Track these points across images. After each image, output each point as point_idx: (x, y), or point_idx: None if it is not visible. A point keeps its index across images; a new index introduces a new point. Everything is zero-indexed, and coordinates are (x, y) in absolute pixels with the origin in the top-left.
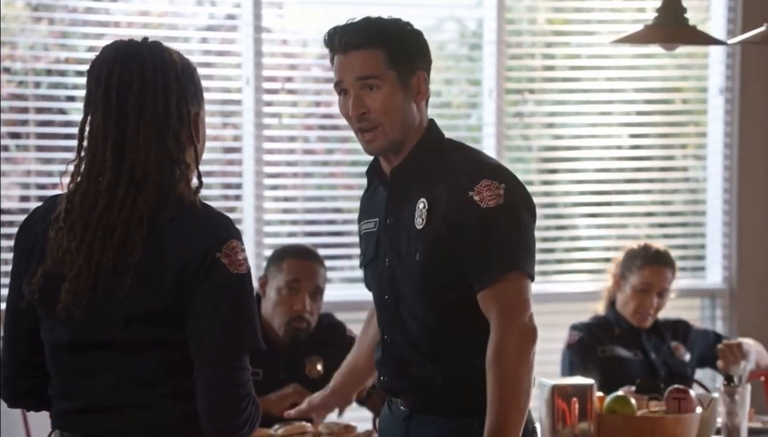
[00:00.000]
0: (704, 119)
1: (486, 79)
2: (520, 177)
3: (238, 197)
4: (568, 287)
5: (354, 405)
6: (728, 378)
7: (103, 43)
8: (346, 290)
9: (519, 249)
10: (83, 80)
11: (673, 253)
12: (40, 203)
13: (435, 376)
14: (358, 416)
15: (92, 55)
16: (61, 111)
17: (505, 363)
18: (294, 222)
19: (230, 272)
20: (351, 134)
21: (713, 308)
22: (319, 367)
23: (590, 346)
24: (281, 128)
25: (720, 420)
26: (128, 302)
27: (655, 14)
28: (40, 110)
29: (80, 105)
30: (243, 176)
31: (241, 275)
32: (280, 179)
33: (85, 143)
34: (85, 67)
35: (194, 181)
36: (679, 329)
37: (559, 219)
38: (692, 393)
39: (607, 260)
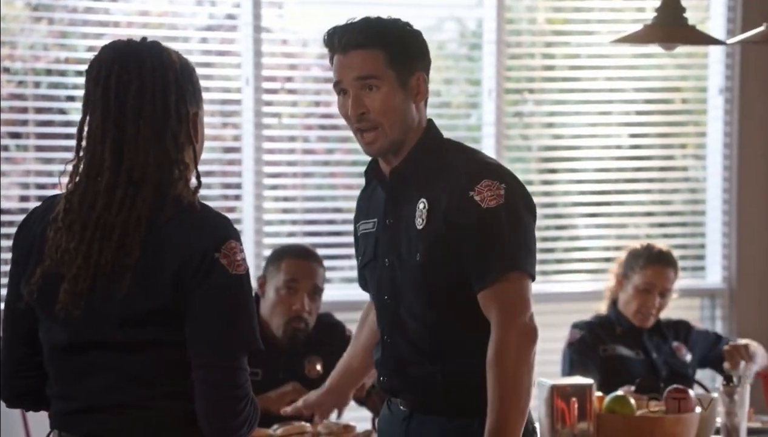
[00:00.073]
0: (704, 118)
1: (486, 79)
2: (520, 177)
3: (237, 197)
4: (567, 287)
5: (353, 404)
6: (727, 378)
7: (102, 43)
8: (345, 290)
9: (519, 249)
10: (83, 80)
11: (673, 253)
12: (40, 203)
13: (435, 376)
14: (358, 416)
15: (92, 55)
16: (61, 111)
17: (506, 363)
18: (294, 222)
19: (229, 273)
20: (351, 133)
21: (713, 308)
22: (319, 367)
23: (591, 345)
24: (281, 128)
25: (719, 420)
26: (127, 303)
27: (655, 14)
28: (39, 110)
29: (80, 105)
30: (243, 175)
31: (240, 276)
32: (280, 179)
33: (83, 143)
34: (85, 67)
35: (193, 181)
36: (681, 329)
37: (558, 219)
38: (691, 393)
39: (607, 259)
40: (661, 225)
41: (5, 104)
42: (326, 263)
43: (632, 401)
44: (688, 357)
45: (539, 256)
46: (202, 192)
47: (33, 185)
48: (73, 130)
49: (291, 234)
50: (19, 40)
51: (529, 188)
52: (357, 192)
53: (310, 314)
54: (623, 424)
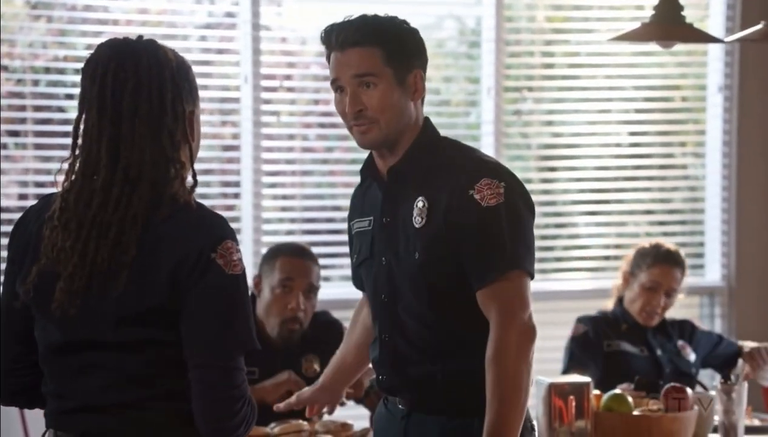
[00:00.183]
0: (703, 116)
1: (485, 77)
2: (519, 175)
3: (236, 196)
4: (567, 285)
5: (351, 403)
6: (725, 376)
7: (101, 41)
8: (345, 288)
9: (519, 248)
10: None
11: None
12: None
13: (435, 375)
14: (355, 414)
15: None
16: (60, 109)
17: (505, 362)
18: (293, 220)
19: (225, 273)
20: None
21: (712, 306)
22: (316, 366)
23: (595, 340)
24: (280, 126)
25: (717, 418)
26: (123, 301)
27: (653, 12)
28: (38, 108)
29: None
30: (241, 174)
31: (236, 276)
32: (279, 178)
33: (79, 142)
34: None
35: (189, 179)
36: (686, 329)
37: (558, 217)
38: (689, 391)
39: (606, 258)
40: (661, 223)
41: (4, 102)
42: (325, 261)
43: (630, 399)
44: (692, 357)
45: (538, 254)
46: (201, 190)
47: (32, 183)
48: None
49: (290, 232)
50: (18, 38)
51: (529, 187)
52: None
53: (305, 313)
54: (621, 422)
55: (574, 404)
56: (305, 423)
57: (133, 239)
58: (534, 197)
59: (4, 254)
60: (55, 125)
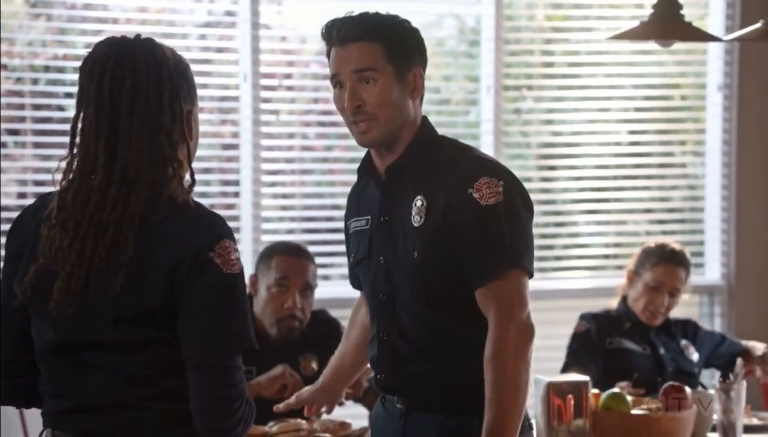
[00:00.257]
0: (703, 115)
1: (484, 75)
2: (519, 174)
3: (236, 194)
4: (566, 284)
5: (350, 402)
6: (724, 375)
7: (101, 39)
8: (344, 287)
9: (518, 246)
10: None
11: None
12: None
13: (433, 374)
14: (354, 413)
15: None
16: (59, 108)
17: (504, 361)
18: (292, 219)
19: (223, 272)
20: (349, 130)
21: (711, 304)
22: (314, 365)
23: (596, 338)
24: (279, 125)
25: (716, 417)
26: (120, 301)
27: (651, 11)
28: (37, 107)
29: None
30: (241, 172)
31: (234, 275)
32: (279, 176)
33: (77, 140)
34: None
35: (187, 179)
36: (689, 329)
37: (557, 216)
38: (688, 390)
39: (606, 256)
40: (660, 222)
41: (3, 101)
42: (324, 259)
43: (629, 398)
44: (695, 357)
45: (538, 253)
46: (200, 189)
47: (31, 181)
48: None
49: (289, 231)
50: (17, 36)
51: (528, 185)
52: None
53: (302, 312)
54: (619, 421)
55: (572, 403)
56: (304, 422)
57: (131, 239)
58: (533, 196)
59: (3, 253)
60: (54, 124)
